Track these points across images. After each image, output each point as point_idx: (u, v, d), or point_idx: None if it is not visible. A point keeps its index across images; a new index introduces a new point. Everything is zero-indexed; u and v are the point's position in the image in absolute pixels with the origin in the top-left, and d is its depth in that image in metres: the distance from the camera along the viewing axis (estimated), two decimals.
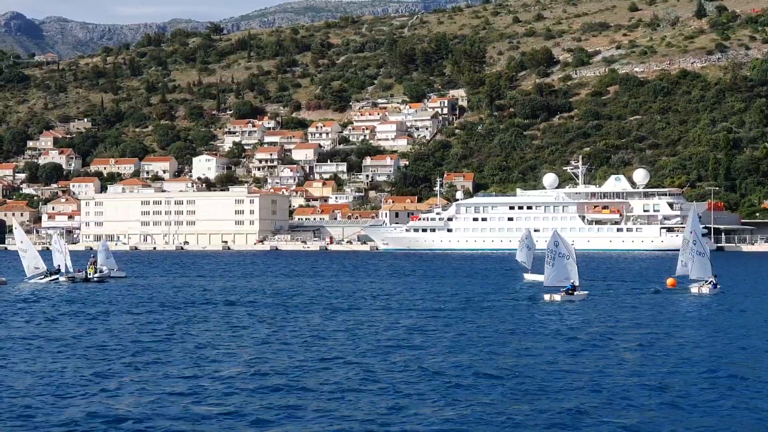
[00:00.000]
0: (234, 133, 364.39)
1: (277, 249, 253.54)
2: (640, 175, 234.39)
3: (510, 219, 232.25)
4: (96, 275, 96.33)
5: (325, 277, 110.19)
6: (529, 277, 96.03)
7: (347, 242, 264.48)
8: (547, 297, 70.46)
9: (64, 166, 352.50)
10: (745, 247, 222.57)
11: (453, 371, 38.33)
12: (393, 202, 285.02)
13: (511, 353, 43.36)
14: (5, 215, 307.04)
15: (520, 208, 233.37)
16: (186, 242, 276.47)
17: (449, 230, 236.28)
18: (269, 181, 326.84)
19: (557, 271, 70.28)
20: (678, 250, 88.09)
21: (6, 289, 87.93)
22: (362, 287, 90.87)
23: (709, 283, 79.47)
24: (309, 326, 55.29)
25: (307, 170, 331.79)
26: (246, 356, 42.80)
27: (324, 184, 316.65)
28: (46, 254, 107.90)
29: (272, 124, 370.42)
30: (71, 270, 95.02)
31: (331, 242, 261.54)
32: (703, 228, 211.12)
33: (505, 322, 57.30)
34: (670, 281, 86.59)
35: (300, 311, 65.26)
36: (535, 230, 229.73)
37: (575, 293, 71.03)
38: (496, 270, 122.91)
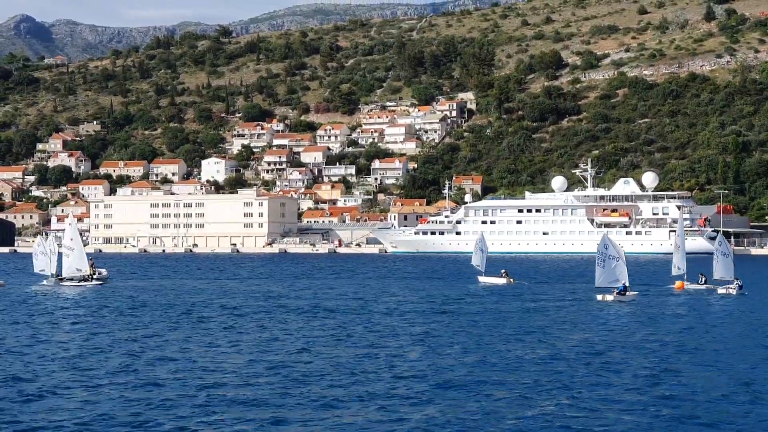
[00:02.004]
0: (243, 135, 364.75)
1: (285, 252, 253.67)
2: (649, 178, 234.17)
3: (519, 222, 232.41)
4: (94, 277, 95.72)
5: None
6: (483, 279, 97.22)
7: (356, 245, 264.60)
8: (599, 297, 73.31)
9: (73, 169, 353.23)
10: (755, 251, 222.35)
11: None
12: (402, 204, 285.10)
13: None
14: (15, 218, 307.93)
15: (529, 211, 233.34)
16: (195, 245, 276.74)
17: (458, 233, 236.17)
18: (278, 183, 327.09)
19: (607, 272, 72.99)
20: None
21: (5, 291, 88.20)
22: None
23: (735, 285, 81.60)
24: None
25: (316, 173, 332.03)
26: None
27: (333, 186, 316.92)
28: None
29: (281, 126, 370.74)
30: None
31: (340, 245, 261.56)
32: (712, 231, 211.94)
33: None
34: (678, 284, 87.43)
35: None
36: (544, 233, 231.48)
37: (626, 293, 73.64)
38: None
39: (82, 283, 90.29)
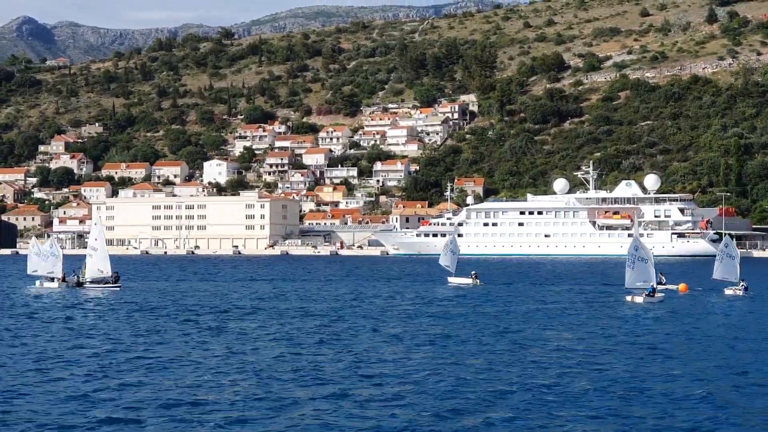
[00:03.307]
0: (245, 137, 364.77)
1: (287, 254, 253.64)
2: (651, 181, 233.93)
3: (521, 224, 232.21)
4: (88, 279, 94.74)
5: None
6: (453, 280, 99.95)
7: (358, 247, 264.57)
8: (629, 298, 75.59)
9: (75, 171, 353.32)
10: (756, 253, 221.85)
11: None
12: (403, 207, 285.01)
13: None
14: (17, 219, 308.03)
15: (531, 213, 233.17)
16: (197, 247, 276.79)
17: (460, 235, 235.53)
18: (280, 185, 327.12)
19: (637, 273, 75.42)
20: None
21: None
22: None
23: (741, 286, 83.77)
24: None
25: (318, 175, 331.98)
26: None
27: (334, 189, 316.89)
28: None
29: (283, 128, 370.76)
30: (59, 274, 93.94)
31: (342, 247, 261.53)
32: (714, 233, 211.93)
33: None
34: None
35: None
36: (546, 235, 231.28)
37: (655, 295, 75.92)
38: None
39: (105, 287, 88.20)
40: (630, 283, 75.87)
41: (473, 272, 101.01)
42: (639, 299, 74.27)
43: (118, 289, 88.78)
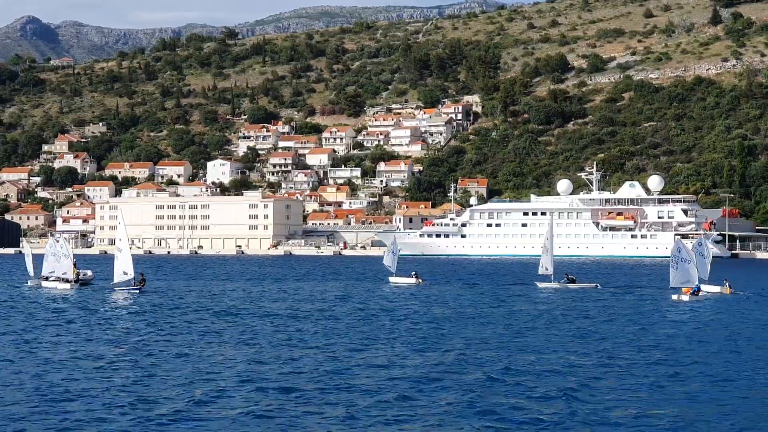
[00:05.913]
0: (248, 137, 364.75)
1: (290, 254, 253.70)
2: (655, 182, 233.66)
3: (524, 225, 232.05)
4: (79, 279, 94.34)
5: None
6: (394, 279, 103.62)
7: (361, 247, 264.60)
8: (674, 297, 79.82)
9: (78, 170, 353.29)
10: (760, 254, 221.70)
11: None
12: (407, 207, 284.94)
13: None
14: (20, 219, 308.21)
15: (534, 214, 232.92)
16: (200, 247, 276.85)
17: (463, 236, 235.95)
18: (283, 186, 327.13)
19: (681, 273, 79.44)
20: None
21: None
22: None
23: (726, 285, 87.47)
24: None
25: (321, 175, 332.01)
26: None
27: (338, 189, 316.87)
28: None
29: (286, 129, 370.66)
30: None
31: (345, 247, 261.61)
32: (717, 235, 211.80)
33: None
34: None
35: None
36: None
37: (699, 294, 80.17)
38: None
39: (130, 289, 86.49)
40: (674, 282, 79.62)
41: (413, 272, 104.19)
42: (685, 298, 78.13)
43: (138, 291, 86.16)
